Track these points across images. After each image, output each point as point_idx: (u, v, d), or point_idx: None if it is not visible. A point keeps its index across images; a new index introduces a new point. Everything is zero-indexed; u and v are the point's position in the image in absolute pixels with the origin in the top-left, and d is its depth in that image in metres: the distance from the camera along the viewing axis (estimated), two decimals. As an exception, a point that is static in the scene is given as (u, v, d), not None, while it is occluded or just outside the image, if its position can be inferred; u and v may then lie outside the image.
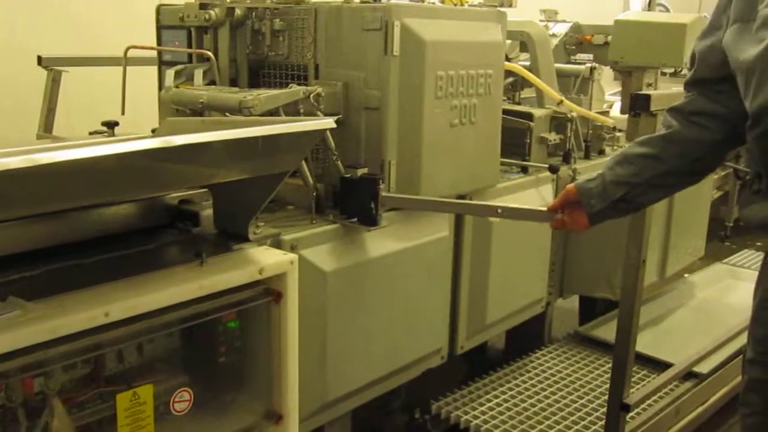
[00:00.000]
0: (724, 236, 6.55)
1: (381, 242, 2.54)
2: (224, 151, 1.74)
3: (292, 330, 2.06)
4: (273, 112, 2.35)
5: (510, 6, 3.03)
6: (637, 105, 2.44)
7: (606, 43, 4.27)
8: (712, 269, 4.93)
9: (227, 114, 2.35)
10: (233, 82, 2.81)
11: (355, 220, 2.45)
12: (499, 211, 2.40)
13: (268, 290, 2.02)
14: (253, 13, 2.74)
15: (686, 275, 4.66)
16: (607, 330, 3.73)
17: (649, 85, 4.22)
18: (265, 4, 2.74)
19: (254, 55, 2.78)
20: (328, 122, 1.89)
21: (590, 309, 4.14)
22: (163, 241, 2.15)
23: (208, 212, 2.22)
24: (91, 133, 2.71)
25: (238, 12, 2.73)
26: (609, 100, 4.79)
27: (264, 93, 2.32)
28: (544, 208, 2.30)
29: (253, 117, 2.22)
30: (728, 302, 4.40)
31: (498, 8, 2.92)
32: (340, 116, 2.47)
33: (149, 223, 2.21)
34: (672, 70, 4.49)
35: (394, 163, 2.57)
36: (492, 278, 3.07)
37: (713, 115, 1.94)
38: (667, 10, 6.52)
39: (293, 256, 2.05)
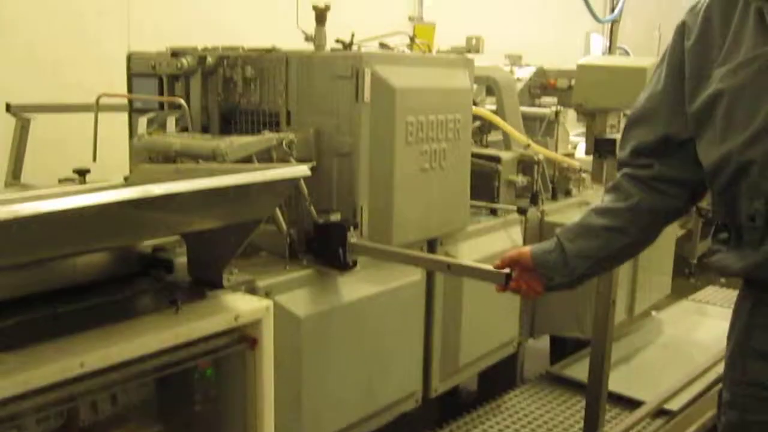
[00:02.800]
0: (688, 273, 6.64)
1: (354, 287, 2.56)
2: (202, 199, 1.75)
3: (268, 376, 2.05)
4: (246, 159, 2.37)
5: (477, 52, 3.10)
6: (602, 148, 2.50)
7: (570, 87, 4.35)
8: (678, 306, 5.01)
9: (200, 161, 2.36)
10: (205, 129, 2.82)
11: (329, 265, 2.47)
12: (450, 267, 2.34)
13: (244, 337, 2.02)
14: (225, 61, 2.77)
15: (654, 313, 4.72)
16: (578, 369, 3.76)
17: (612, 126, 4.29)
18: (236, 52, 2.77)
19: (226, 102, 2.81)
20: (303, 170, 1.92)
21: (560, 348, 4.17)
22: (137, 289, 2.14)
23: (181, 259, 2.22)
24: (60, 181, 2.71)
25: (209, 60, 2.75)
26: (573, 141, 4.89)
27: (237, 140, 2.34)
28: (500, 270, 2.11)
29: (228, 164, 2.24)
30: (695, 339, 4.47)
31: (465, 55, 2.98)
32: (314, 163, 2.49)
33: (123, 271, 2.20)
34: (633, 112, 4.59)
35: (366, 208, 2.60)
36: (464, 320, 3.09)
37: (676, 182, 1.87)
38: (627, 54, 6.68)
39: (268, 303, 2.05)
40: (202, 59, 2.75)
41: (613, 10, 5.98)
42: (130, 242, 2.16)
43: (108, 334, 1.76)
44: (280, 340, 2.11)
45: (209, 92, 2.81)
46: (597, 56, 6.07)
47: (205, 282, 2.14)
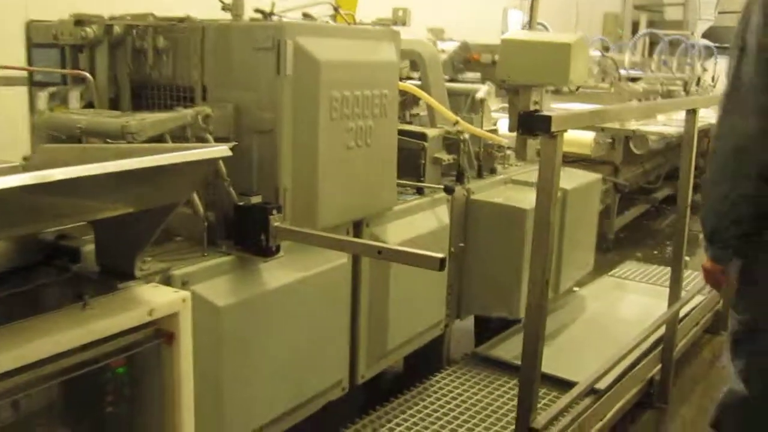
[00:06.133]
0: (606, 248, 6.76)
1: (278, 273, 2.42)
2: (110, 183, 1.58)
3: (186, 372, 1.92)
4: (158, 138, 2.19)
5: (403, 24, 2.98)
6: (536, 126, 2.39)
7: (493, 62, 4.27)
8: (599, 282, 5.04)
9: (107, 141, 2.17)
10: (113, 103, 2.62)
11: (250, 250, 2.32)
12: (380, 252, 2.20)
13: (159, 331, 1.87)
14: (134, 31, 2.57)
15: (576, 289, 4.73)
16: (504, 349, 3.73)
17: (536, 102, 4.26)
18: (146, 21, 2.57)
19: (136, 75, 2.61)
20: (223, 150, 1.76)
21: (484, 328, 4.13)
22: (39, 281, 1.96)
23: (88, 247, 2.04)
24: (-49, 161, 2.47)
25: (117, 29, 2.55)
26: (493, 117, 4.84)
27: (149, 117, 2.16)
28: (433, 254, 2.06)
29: (139, 144, 2.06)
30: (617, 314, 4.53)
31: (391, 27, 2.85)
32: (236, 143, 2.33)
33: (23, 261, 2.01)
34: (554, 88, 4.56)
35: (290, 188, 2.46)
36: (391, 303, 2.99)
37: None
38: (546, 29, 6.67)
39: (186, 294, 1.90)
40: (108, 28, 2.55)
41: (533, -15, 5.94)
42: (30, 231, 1.96)
43: (9, 334, 1.59)
44: (198, 332, 1.97)
45: (118, 64, 2.62)
46: (520, 31, 6.02)
47: (115, 272, 1.97)
